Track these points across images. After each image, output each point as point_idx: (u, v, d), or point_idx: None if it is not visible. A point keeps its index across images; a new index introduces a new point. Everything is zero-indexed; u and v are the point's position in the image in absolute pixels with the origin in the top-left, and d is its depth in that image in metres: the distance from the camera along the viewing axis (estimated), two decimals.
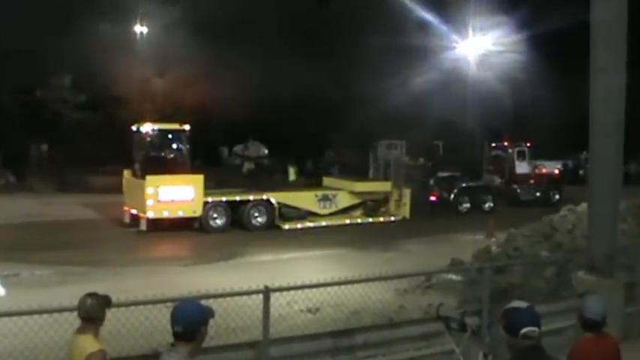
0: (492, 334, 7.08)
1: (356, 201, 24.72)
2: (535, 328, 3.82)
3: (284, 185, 27.76)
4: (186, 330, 3.70)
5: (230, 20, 30.35)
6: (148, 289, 8.91)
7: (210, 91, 29.82)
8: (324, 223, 23.08)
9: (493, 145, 30.68)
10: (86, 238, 19.42)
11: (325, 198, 24.02)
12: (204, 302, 4.06)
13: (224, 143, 36.84)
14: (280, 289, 6.96)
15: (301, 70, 30.25)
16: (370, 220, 24.23)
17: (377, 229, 22.53)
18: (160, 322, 6.14)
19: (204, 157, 28.45)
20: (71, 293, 5.54)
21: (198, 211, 20.99)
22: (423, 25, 35.96)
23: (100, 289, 5.15)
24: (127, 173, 22.49)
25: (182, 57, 30.59)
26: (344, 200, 24.42)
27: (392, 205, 25.22)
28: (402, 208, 24.98)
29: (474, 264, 12.39)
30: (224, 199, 21.63)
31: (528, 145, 30.25)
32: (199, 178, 21.28)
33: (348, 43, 32.98)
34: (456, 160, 29.21)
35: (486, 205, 27.50)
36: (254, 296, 6.85)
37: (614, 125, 8.63)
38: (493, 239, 17.36)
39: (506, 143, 30.37)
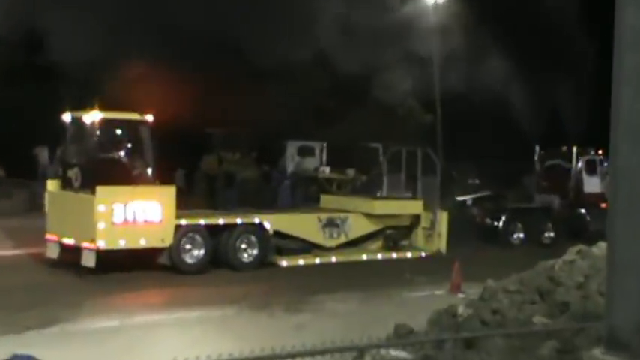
0: None
1: (373, 228, 24.21)
2: None
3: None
4: None
5: None
6: None
7: None
8: (333, 259, 22.53)
9: (542, 152, 30.20)
10: None
11: (331, 224, 23.49)
12: None
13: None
14: None
15: None
16: (395, 255, 23.71)
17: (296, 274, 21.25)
18: None
19: None
20: None
21: (167, 239, 19.91)
22: None
23: None
24: (52, 185, 21.65)
25: None
26: (357, 227, 23.92)
27: (420, 235, 24.68)
28: (434, 239, 24.28)
29: (430, 334, 11.43)
30: (202, 222, 20.70)
31: (599, 153, 29.25)
32: (169, 191, 20.45)
33: None
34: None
35: (545, 235, 27.05)
36: None
37: None
38: (460, 295, 16.95)
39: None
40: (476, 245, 25.06)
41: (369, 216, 23.89)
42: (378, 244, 24.31)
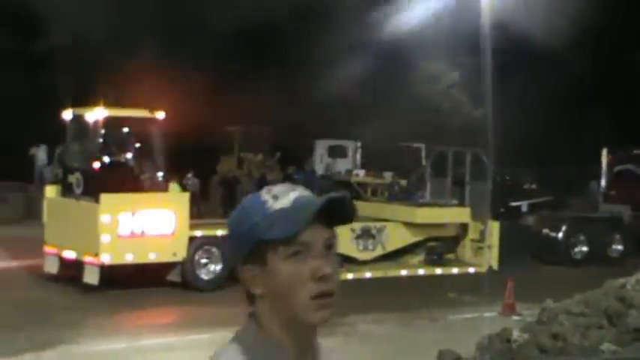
0: None
1: (413, 239, 24.11)
2: None
3: None
4: None
5: None
6: None
7: None
8: (367, 275, 22.43)
9: (610, 154, 29.95)
10: None
11: (366, 234, 23.39)
12: None
13: None
14: None
15: None
16: (438, 271, 23.63)
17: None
18: None
19: None
20: None
21: (180, 253, 19.93)
22: None
23: None
24: (51, 191, 21.78)
25: None
26: (395, 238, 23.85)
27: (467, 248, 24.63)
28: (484, 253, 24.07)
29: None
30: (219, 233, 20.64)
31: None
32: (183, 199, 20.66)
33: None
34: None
35: (612, 249, 26.88)
36: None
37: None
38: (514, 317, 17.01)
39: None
40: (532, 260, 24.97)
41: (409, 225, 23.74)
42: (419, 257, 24.18)
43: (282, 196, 2.45)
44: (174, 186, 26.63)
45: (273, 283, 2.42)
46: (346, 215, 2.42)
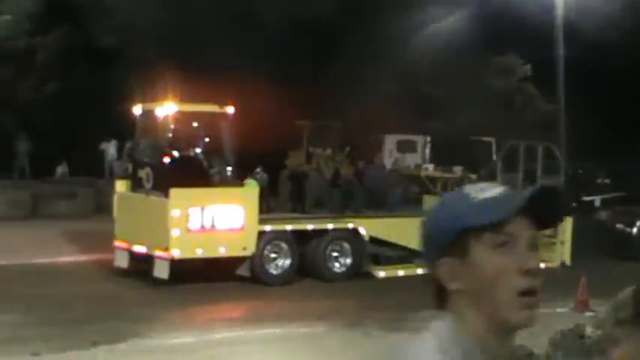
0: None
1: None
2: None
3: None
4: None
5: None
6: None
7: None
8: None
9: None
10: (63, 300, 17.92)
11: None
12: None
13: None
14: None
15: None
16: None
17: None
18: None
19: None
20: None
21: (249, 248, 20.01)
22: None
23: None
24: (121, 185, 21.98)
25: None
26: None
27: (540, 244, 23.85)
28: (557, 249, 23.78)
29: (553, 357, 11.02)
30: (288, 228, 20.82)
31: None
32: (252, 193, 20.74)
33: None
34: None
35: None
36: None
37: None
38: (587, 313, 16.87)
39: None
40: (605, 255, 24.65)
41: None
42: None
43: (488, 189, 2.30)
44: (250, 181, 26.88)
45: (475, 277, 2.23)
46: (554, 212, 2.25)
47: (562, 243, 23.79)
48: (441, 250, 2.29)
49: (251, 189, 21.16)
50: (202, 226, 19.65)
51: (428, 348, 2.36)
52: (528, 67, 38.66)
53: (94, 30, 34.42)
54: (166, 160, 20.96)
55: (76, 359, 13.63)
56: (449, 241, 2.25)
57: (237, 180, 21.62)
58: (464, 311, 2.33)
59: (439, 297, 2.38)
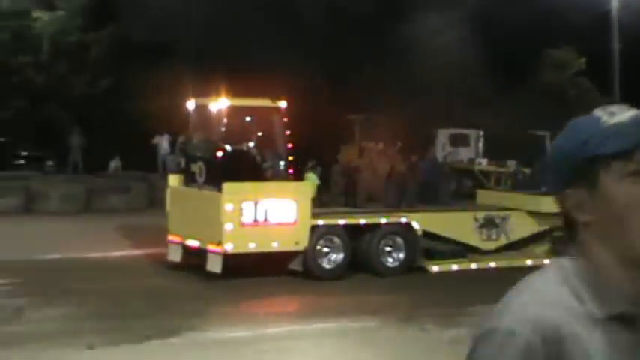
0: None
1: (538, 228, 23.54)
2: None
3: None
4: None
5: None
6: None
7: None
8: (491, 264, 22.19)
9: None
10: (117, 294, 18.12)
11: (490, 223, 23.14)
12: None
13: None
14: None
15: None
16: None
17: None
18: None
19: None
20: None
21: (302, 242, 19.99)
22: None
23: None
24: (174, 180, 22.07)
25: None
26: (519, 227, 23.45)
27: None
28: None
29: None
30: (341, 222, 20.76)
31: None
32: (305, 188, 20.91)
33: None
34: None
35: None
36: None
37: None
38: None
39: None
40: None
41: (533, 214, 23.19)
42: (544, 247, 23.62)
43: (620, 112, 2.18)
44: (310, 175, 27.00)
45: (604, 208, 2.12)
46: None
47: None
48: (567, 180, 2.23)
49: (308, 184, 21.50)
50: (255, 221, 19.60)
51: (554, 280, 2.31)
52: (583, 60, 38.30)
53: (145, 25, 34.66)
54: (219, 154, 20.87)
55: (130, 352, 13.62)
56: (576, 169, 2.18)
57: (290, 174, 21.55)
58: (594, 244, 2.25)
59: (567, 230, 2.34)
